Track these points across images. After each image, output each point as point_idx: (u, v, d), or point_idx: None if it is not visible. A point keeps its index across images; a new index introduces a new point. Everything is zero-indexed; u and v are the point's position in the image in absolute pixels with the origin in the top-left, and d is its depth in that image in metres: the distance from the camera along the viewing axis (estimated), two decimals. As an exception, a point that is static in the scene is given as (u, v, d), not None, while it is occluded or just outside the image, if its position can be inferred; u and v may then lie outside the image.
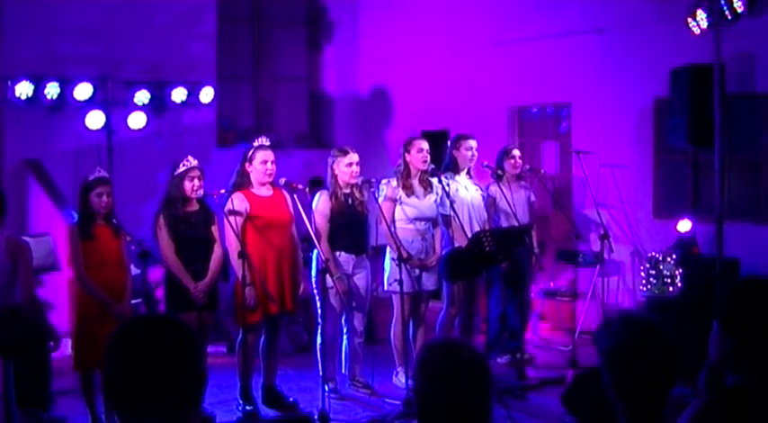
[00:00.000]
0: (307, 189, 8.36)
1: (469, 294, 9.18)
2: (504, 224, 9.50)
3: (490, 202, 9.49)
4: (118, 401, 2.66)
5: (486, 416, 3.12)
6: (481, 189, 9.41)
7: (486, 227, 9.19)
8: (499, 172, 9.57)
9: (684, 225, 10.10)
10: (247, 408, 8.09)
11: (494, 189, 9.48)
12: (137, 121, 11.55)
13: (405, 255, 8.43)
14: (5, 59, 11.47)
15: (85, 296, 7.44)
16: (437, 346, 3.25)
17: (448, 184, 8.92)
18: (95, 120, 11.12)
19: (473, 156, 9.28)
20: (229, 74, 13.80)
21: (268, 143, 8.20)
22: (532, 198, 10.09)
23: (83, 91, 11.08)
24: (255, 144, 8.14)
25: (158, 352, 2.64)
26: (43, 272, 9.41)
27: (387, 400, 8.54)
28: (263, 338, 8.24)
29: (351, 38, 14.52)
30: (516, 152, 9.94)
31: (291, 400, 8.36)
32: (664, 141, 10.64)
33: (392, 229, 8.58)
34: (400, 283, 8.33)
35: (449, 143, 9.52)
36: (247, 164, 8.08)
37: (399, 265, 8.29)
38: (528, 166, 10.15)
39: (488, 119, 12.37)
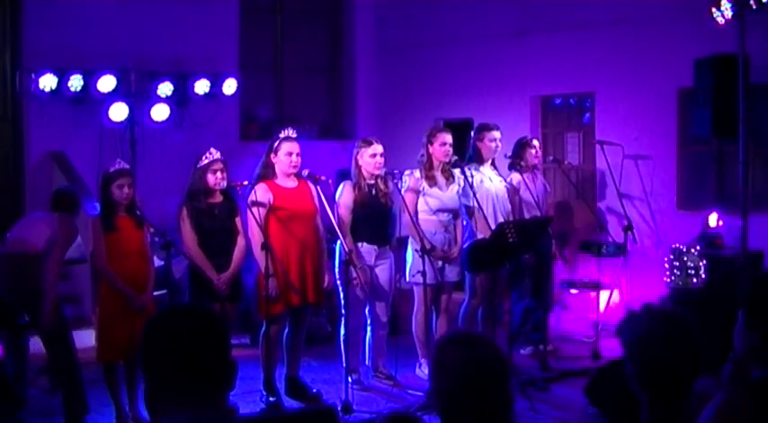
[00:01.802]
0: (330, 181, 8.36)
1: (492, 286, 9.16)
2: (527, 215, 9.48)
3: (513, 192, 9.45)
4: (153, 387, 2.75)
5: (507, 408, 3.10)
6: (505, 180, 9.39)
7: (510, 218, 9.16)
8: (522, 163, 9.55)
9: (713, 219, 10.05)
10: (270, 399, 8.11)
11: (517, 179, 9.46)
12: (160, 112, 11.59)
13: (428, 246, 8.41)
14: (29, 52, 11.53)
15: (108, 289, 7.47)
16: (450, 343, 3.23)
17: (471, 175, 8.90)
18: (119, 112, 11.17)
19: (497, 146, 9.25)
20: (252, 65, 13.81)
21: (294, 135, 8.19)
22: (548, 188, 10.09)
23: (106, 83, 11.14)
24: (281, 135, 8.14)
25: (191, 341, 2.74)
26: (71, 264, 9.45)
27: (410, 391, 8.54)
28: (286, 330, 8.26)
29: (373, 28, 14.49)
30: (536, 142, 9.93)
31: (315, 391, 8.37)
32: (687, 132, 10.60)
33: (415, 221, 8.56)
34: (423, 274, 8.31)
35: (472, 134, 9.50)
36: (272, 155, 8.08)
37: (423, 257, 8.27)
38: (551, 157, 10.12)
39: (511, 109, 12.33)
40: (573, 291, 11.26)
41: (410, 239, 8.78)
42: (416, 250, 8.50)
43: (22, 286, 7.37)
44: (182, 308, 2.93)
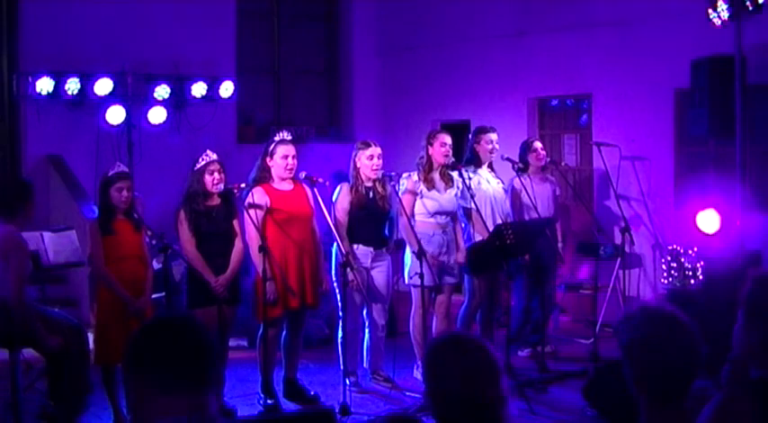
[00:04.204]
0: (327, 182, 8.36)
1: (491, 287, 9.16)
2: (526, 218, 9.47)
3: (515, 196, 9.45)
4: (136, 398, 2.81)
5: (500, 406, 3.10)
6: (503, 182, 9.39)
7: (509, 220, 9.16)
8: (520, 165, 9.53)
9: (709, 224, 10.00)
10: (269, 401, 8.10)
11: (518, 182, 9.43)
12: (157, 115, 11.60)
13: (422, 249, 8.37)
14: (26, 56, 11.54)
15: (106, 292, 7.45)
16: (441, 344, 3.24)
17: (469, 178, 8.90)
18: (115, 115, 11.18)
19: (494, 149, 9.25)
20: (249, 68, 13.82)
21: (290, 138, 8.19)
22: (557, 191, 10.02)
23: (103, 86, 11.16)
24: (277, 138, 8.14)
25: (173, 353, 2.79)
26: (68, 267, 9.43)
27: (407, 393, 8.53)
28: (284, 332, 8.25)
29: (370, 30, 14.49)
30: (538, 144, 9.88)
31: (312, 393, 8.36)
32: (685, 133, 10.60)
33: (411, 223, 8.54)
34: (421, 276, 8.31)
35: (470, 137, 9.49)
36: (268, 158, 8.08)
37: (420, 259, 8.27)
38: (549, 159, 10.11)
39: (508, 111, 12.34)
40: (571, 292, 11.24)
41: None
42: (414, 252, 8.51)
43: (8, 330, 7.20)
44: (168, 319, 2.95)
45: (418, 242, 8.32)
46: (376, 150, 8.48)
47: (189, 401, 2.75)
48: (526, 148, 9.80)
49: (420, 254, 8.26)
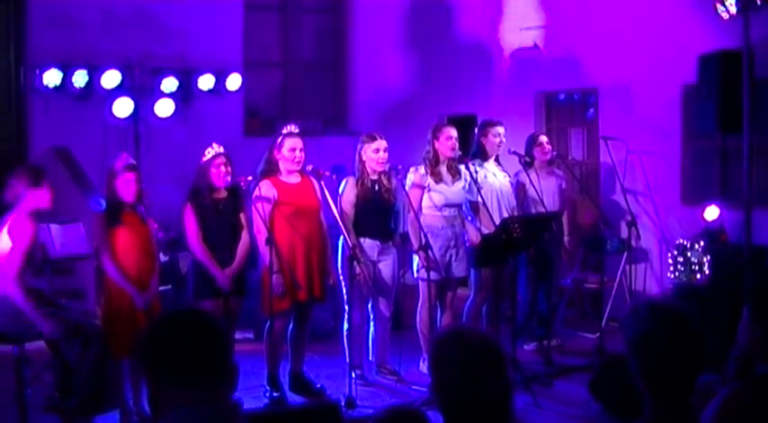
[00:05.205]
0: (334, 176, 8.36)
1: (497, 281, 9.16)
2: (533, 211, 9.47)
3: (520, 189, 9.46)
4: (155, 389, 2.84)
5: (505, 396, 3.11)
6: (509, 176, 9.38)
7: (515, 214, 9.16)
8: (527, 159, 9.54)
9: (712, 213, 10.05)
10: (274, 394, 8.12)
11: (523, 176, 9.44)
12: (164, 108, 11.59)
13: (428, 243, 8.36)
14: (33, 48, 11.55)
15: (114, 285, 7.45)
16: (446, 338, 3.25)
17: (476, 171, 8.90)
18: (123, 107, 11.18)
19: (501, 142, 9.25)
20: (256, 61, 13.82)
21: (297, 130, 8.20)
22: (564, 185, 10.01)
23: (110, 79, 11.16)
24: (284, 131, 8.14)
25: (192, 345, 2.82)
26: (75, 259, 9.45)
27: (413, 386, 8.53)
28: (290, 325, 8.26)
29: (377, 23, 14.47)
30: (543, 138, 9.89)
31: (318, 386, 8.37)
32: (692, 127, 10.57)
33: (419, 218, 8.54)
34: (427, 270, 8.32)
35: (476, 130, 9.49)
36: (276, 151, 8.08)
37: (426, 253, 8.27)
38: (555, 153, 10.10)
39: (515, 105, 12.32)
40: (577, 286, 11.23)
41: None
42: (413, 251, 8.53)
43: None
44: (183, 312, 2.97)
45: (425, 236, 8.34)
46: (381, 143, 8.48)
47: (202, 393, 2.78)
48: (532, 142, 9.81)
49: (425, 247, 8.27)
